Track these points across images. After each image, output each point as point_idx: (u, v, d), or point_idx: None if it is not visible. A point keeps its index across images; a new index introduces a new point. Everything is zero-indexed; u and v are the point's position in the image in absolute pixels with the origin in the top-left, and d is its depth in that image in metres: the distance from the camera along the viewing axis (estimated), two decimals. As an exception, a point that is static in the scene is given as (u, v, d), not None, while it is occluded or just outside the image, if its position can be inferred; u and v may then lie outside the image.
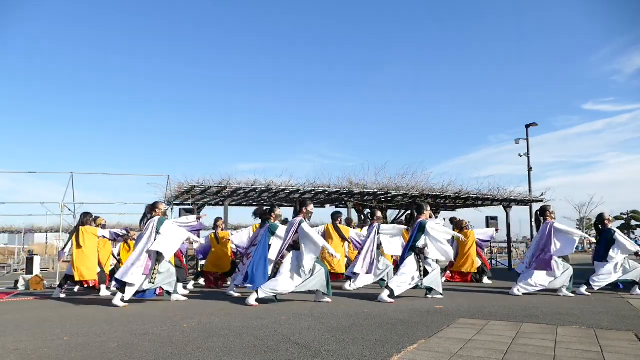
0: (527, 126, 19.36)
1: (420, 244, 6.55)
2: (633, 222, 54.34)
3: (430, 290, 6.64)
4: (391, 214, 16.18)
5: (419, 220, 6.69)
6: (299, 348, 3.46)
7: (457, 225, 9.93)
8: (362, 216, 14.96)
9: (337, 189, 12.20)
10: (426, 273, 6.54)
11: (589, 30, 57.60)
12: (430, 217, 6.96)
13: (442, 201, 14.61)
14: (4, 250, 24.25)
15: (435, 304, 5.92)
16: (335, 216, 8.89)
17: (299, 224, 6.18)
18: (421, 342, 3.65)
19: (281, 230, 6.80)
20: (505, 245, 18.82)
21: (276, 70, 67.20)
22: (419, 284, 6.50)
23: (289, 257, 6.21)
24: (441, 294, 6.62)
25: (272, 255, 6.65)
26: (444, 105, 70.35)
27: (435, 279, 6.60)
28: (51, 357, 3.29)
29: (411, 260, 6.51)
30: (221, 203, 12.76)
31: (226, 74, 66.25)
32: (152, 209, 6.63)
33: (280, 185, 11.70)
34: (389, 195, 12.91)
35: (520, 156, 19.42)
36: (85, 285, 7.70)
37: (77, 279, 7.47)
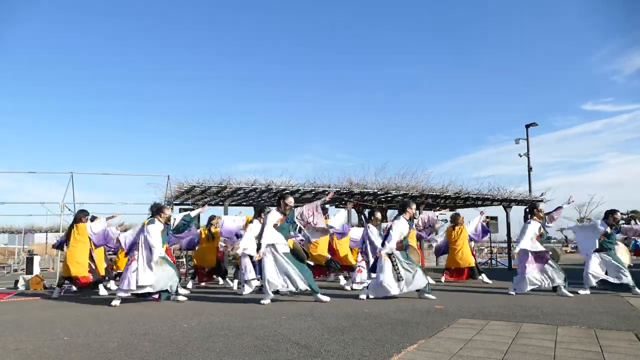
0: (527, 126, 19.34)
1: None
2: (633, 222, 54.55)
3: (418, 291, 6.51)
4: (391, 214, 16.18)
5: (395, 220, 6.55)
6: (299, 348, 3.46)
7: (453, 219, 9.96)
8: (363, 217, 14.96)
9: (337, 189, 12.20)
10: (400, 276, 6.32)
11: (588, 30, 57.69)
12: (414, 216, 6.83)
13: (442, 201, 14.60)
14: (4, 250, 24.24)
15: (435, 304, 5.92)
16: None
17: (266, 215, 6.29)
18: (421, 342, 3.65)
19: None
20: (505, 245, 18.81)
21: (276, 70, 67.23)
22: (400, 290, 6.32)
23: (268, 255, 6.22)
24: (431, 295, 6.47)
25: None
26: (444, 106, 70.42)
27: (418, 282, 6.39)
28: (51, 357, 3.29)
29: (388, 264, 6.33)
30: (221, 203, 12.76)
31: (226, 75, 66.29)
32: (156, 212, 6.62)
33: (280, 185, 11.71)
34: (389, 195, 12.92)
35: (520, 156, 19.40)
36: (76, 287, 7.61)
37: (65, 274, 7.43)
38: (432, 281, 9.60)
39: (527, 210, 7.29)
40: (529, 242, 6.85)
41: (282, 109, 68.56)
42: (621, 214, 7.55)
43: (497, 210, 18.32)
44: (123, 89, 61.95)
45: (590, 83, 66.55)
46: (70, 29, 55.91)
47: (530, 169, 19.15)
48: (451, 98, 68.72)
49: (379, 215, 8.09)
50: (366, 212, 14.45)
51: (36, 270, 11.25)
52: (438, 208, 12.41)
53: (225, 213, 12.11)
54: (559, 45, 65.60)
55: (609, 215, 7.35)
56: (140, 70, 61.39)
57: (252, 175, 11.57)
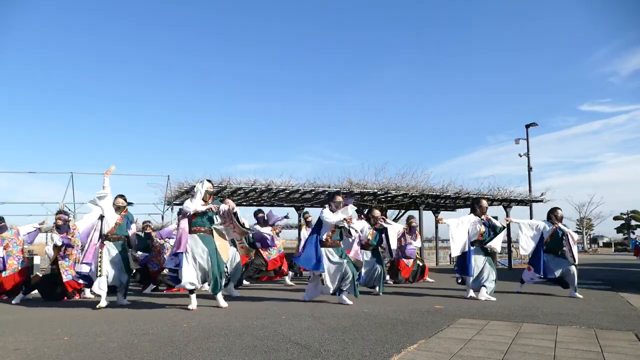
0: (527, 126, 19.31)
1: None
2: (633, 222, 54.48)
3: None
4: (391, 213, 16.17)
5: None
6: (299, 348, 3.46)
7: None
8: (362, 216, 14.92)
9: (337, 189, 12.19)
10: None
11: (586, 32, 57.80)
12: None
13: (442, 201, 14.59)
14: (4, 250, 24.17)
15: (436, 304, 5.93)
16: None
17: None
18: (421, 342, 3.65)
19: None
20: (505, 245, 18.79)
21: (277, 72, 67.31)
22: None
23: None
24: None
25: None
26: (444, 107, 70.53)
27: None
28: (51, 357, 3.29)
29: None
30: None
31: (227, 76, 66.38)
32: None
33: (280, 185, 11.68)
34: (389, 195, 12.90)
35: (520, 156, 19.38)
36: None
37: None
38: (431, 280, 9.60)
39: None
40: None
41: (283, 109, 68.74)
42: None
43: (497, 211, 18.30)
44: (123, 89, 62.03)
45: (589, 84, 66.74)
46: (70, 29, 55.95)
47: (530, 169, 19.14)
48: (451, 98, 68.80)
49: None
50: (366, 211, 14.45)
51: (36, 270, 11.23)
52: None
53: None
54: (557, 47, 65.70)
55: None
56: (140, 71, 61.48)
57: (252, 175, 11.53)
